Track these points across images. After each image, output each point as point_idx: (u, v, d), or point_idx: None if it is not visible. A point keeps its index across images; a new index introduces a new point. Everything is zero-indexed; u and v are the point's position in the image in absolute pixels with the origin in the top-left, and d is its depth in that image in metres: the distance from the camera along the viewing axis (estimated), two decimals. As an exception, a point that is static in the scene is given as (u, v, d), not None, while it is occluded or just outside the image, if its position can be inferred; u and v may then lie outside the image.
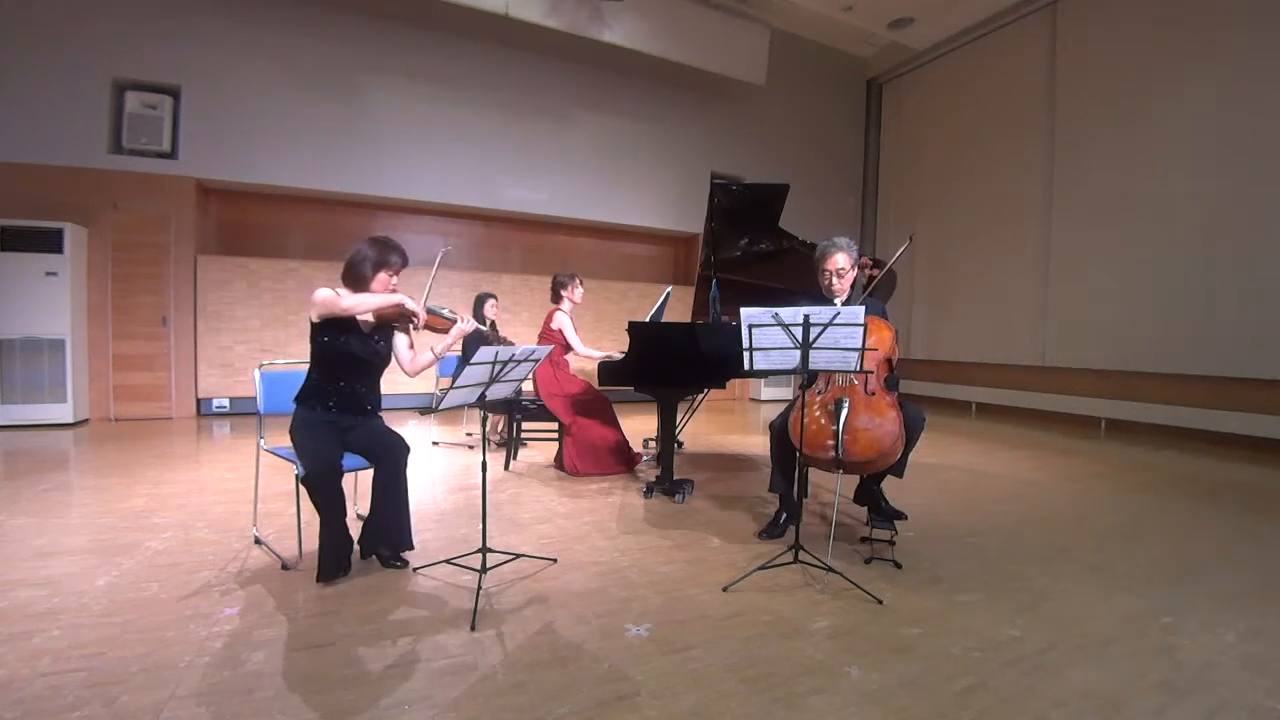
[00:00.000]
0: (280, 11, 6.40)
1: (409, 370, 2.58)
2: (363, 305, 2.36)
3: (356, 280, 2.45)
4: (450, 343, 2.57)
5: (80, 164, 5.76)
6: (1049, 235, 7.43)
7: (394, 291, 2.52)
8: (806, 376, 2.39)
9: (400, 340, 2.59)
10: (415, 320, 2.46)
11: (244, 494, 3.32)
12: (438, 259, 2.59)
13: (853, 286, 2.86)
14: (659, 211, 8.50)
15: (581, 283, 4.36)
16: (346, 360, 2.42)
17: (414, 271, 2.63)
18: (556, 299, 4.32)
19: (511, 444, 4.38)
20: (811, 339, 2.27)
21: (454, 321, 2.56)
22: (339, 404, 2.44)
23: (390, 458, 2.42)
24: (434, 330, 2.59)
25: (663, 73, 8.06)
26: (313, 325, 2.38)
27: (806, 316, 2.24)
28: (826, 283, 2.82)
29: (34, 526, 2.82)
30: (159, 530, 2.81)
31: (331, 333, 2.38)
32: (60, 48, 5.64)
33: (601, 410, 4.23)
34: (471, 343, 2.97)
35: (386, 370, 2.57)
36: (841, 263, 2.77)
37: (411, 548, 2.48)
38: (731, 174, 8.70)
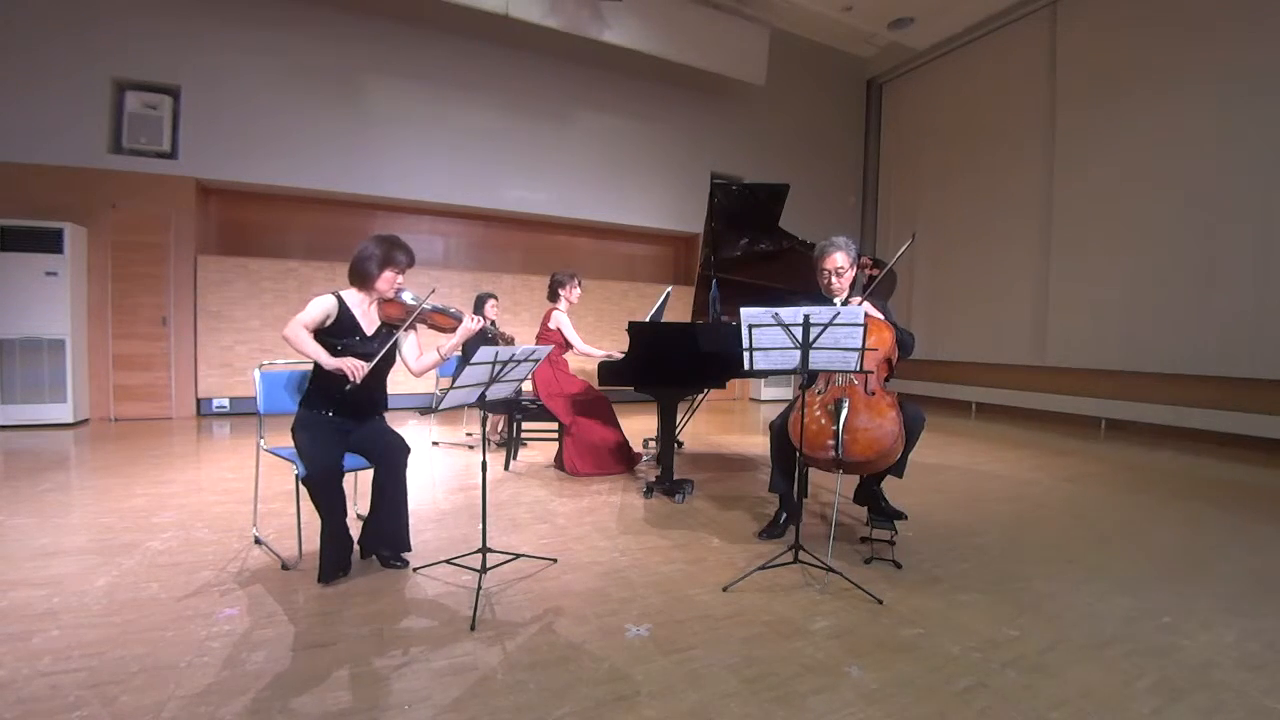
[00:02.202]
0: (280, 11, 6.40)
1: (414, 370, 2.58)
2: (296, 343, 2.30)
3: (362, 279, 2.45)
4: (457, 342, 2.57)
5: (80, 164, 5.76)
6: (1049, 235, 7.43)
7: (399, 290, 2.51)
8: (806, 376, 2.39)
9: (407, 338, 2.58)
10: (354, 378, 2.31)
11: (244, 494, 3.33)
12: (428, 295, 2.59)
13: (852, 286, 2.86)
14: (659, 211, 8.50)
15: (580, 283, 4.35)
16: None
17: (416, 273, 2.63)
18: (554, 298, 4.31)
19: (511, 444, 4.38)
20: (811, 339, 2.27)
21: (460, 320, 2.55)
22: (344, 407, 2.43)
23: (390, 458, 2.42)
24: (440, 329, 2.59)
25: (663, 73, 8.06)
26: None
27: (806, 316, 2.24)
28: (826, 282, 2.82)
29: (34, 526, 2.82)
30: (159, 530, 2.81)
31: (335, 336, 2.38)
32: (60, 48, 5.63)
33: (601, 410, 4.22)
34: (472, 342, 2.97)
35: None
36: (840, 261, 2.78)
37: (409, 549, 2.48)
38: (731, 174, 8.70)
